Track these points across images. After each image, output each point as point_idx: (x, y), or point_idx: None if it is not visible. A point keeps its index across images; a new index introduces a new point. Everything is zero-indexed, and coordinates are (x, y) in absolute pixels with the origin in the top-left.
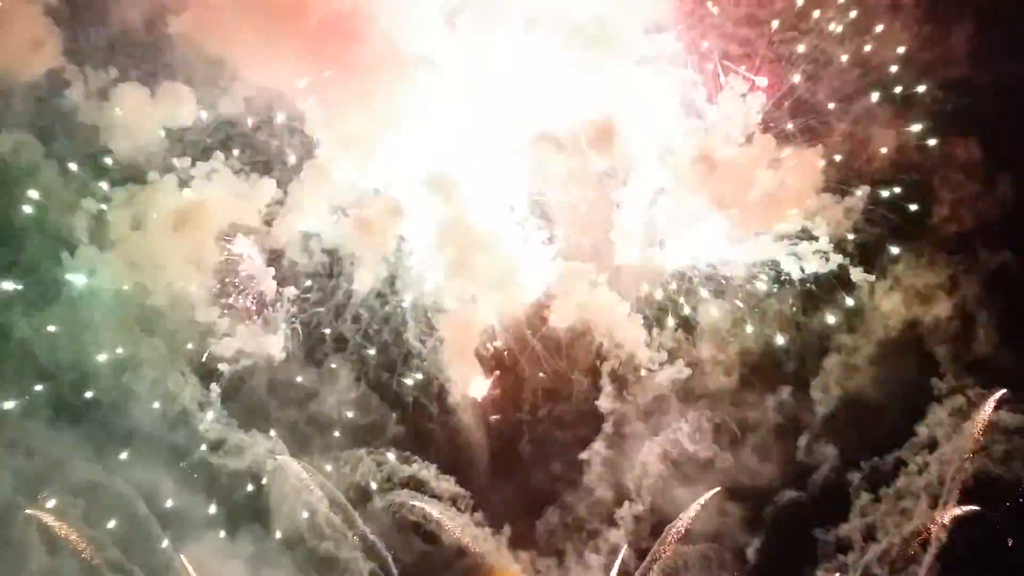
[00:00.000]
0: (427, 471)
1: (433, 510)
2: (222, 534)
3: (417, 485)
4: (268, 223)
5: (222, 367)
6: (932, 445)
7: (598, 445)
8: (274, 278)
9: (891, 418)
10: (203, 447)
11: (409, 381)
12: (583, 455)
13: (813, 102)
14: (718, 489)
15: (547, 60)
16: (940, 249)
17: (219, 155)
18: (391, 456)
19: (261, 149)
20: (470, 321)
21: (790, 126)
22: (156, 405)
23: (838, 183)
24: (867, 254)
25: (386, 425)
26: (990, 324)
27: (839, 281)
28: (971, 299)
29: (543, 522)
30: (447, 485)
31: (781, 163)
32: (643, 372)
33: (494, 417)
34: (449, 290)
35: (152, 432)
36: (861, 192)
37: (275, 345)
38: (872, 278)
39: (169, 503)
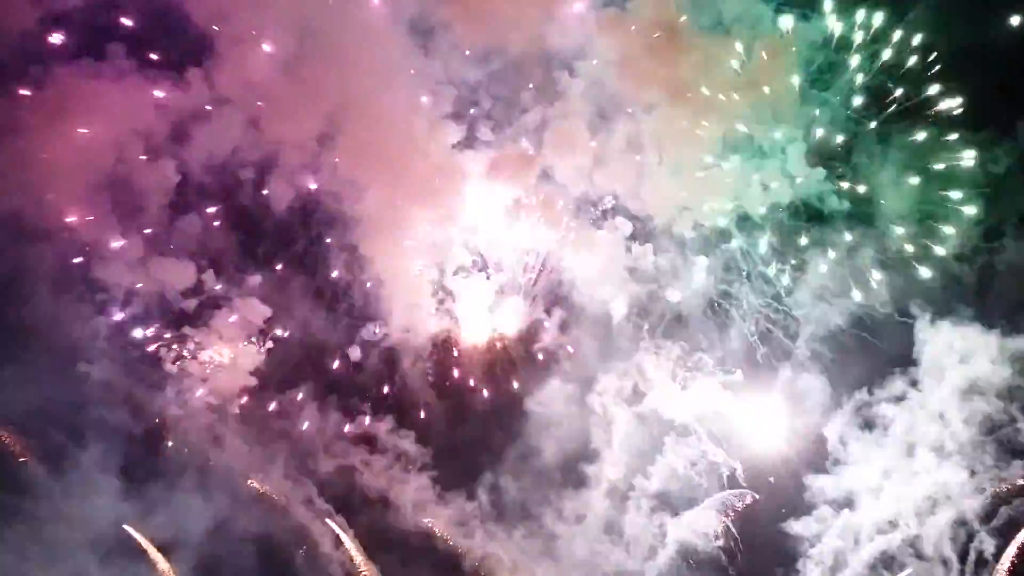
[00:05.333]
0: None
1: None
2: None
3: (370, 442)
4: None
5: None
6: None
7: (551, 388)
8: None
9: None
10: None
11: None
12: (532, 405)
13: None
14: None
15: None
16: (958, 127)
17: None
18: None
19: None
20: (400, 247)
21: None
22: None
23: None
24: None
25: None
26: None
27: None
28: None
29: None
30: (407, 443)
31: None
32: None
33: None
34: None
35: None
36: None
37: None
38: (846, 205)
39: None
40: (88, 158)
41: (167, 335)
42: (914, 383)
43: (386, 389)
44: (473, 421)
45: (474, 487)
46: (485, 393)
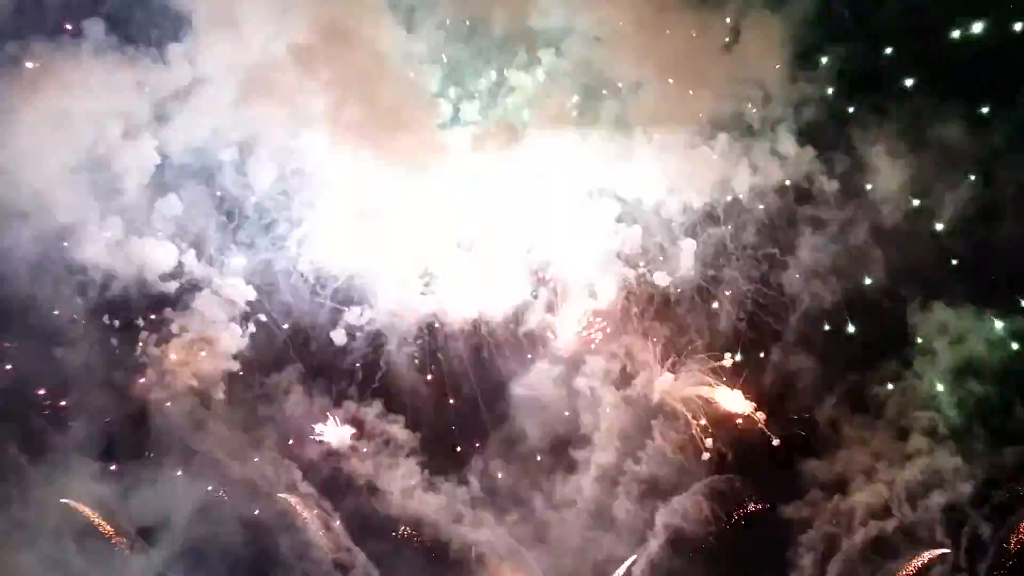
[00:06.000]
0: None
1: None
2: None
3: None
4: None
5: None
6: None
7: (538, 371)
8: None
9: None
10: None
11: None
12: (518, 389)
13: None
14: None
15: None
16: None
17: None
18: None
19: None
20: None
21: None
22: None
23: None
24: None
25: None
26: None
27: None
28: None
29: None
30: (395, 428)
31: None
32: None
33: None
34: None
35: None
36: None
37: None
38: (835, 186)
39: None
40: (67, 137)
41: (147, 318)
42: (907, 365)
43: (373, 374)
44: (461, 406)
45: (462, 472)
46: (472, 377)
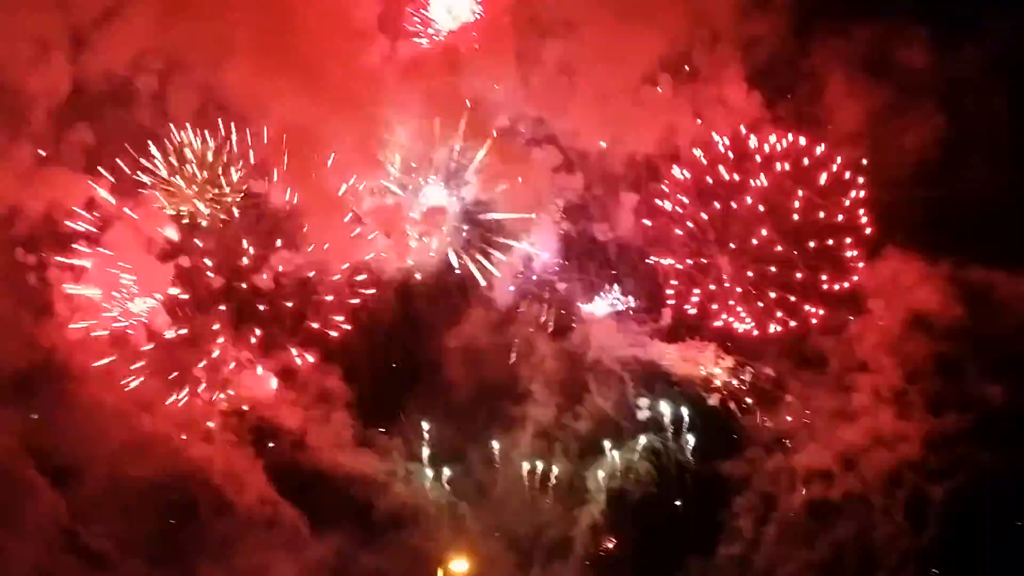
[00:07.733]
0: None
1: None
2: None
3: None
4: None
5: None
6: None
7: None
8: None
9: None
10: None
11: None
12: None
13: None
14: None
15: None
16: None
17: None
18: None
19: None
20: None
21: None
22: None
23: None
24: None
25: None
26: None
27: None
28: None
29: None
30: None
31: None
32: None
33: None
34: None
35: None
36: None
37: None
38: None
39: None
40: None
41: (59, 255)
42: (854, 318)
43: (300, 321)
44: (392, 358)
45: (397, 426)
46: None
